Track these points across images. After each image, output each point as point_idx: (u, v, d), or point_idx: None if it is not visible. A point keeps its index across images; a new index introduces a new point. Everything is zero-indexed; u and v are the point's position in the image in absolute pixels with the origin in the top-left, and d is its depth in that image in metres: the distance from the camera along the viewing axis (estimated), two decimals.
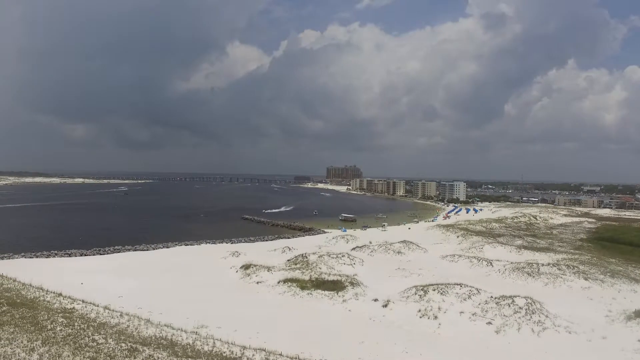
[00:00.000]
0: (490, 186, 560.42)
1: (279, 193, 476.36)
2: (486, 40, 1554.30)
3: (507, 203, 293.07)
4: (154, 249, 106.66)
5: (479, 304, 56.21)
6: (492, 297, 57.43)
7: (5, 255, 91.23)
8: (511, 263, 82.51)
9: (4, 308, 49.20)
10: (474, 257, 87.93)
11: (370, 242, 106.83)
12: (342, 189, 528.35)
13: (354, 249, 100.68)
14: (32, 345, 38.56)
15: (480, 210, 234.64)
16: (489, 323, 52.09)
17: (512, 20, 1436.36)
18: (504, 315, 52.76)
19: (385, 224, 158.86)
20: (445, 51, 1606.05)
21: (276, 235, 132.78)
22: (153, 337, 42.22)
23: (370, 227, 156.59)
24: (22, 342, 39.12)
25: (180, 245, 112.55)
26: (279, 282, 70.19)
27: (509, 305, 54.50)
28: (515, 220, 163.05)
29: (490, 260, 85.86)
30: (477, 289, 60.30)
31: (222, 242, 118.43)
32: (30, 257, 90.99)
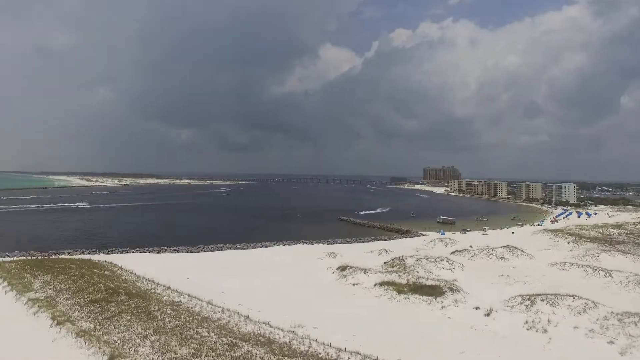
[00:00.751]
0: (605, 188, 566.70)
1: (374, 194, 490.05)
2: (596, 28, 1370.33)
3: (628, 207, 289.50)
4: (253, 248, 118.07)
5: (597, 320, 54.22)
6: (613, 312, 56.13)
7: (124, 249, 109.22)
8: (636, 275, 73.59)
9: (123, 297, 59.40)
10: (589, 266, 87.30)
11: (471, 246, 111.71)
12: (440, 190, 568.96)
13: (453, 252, 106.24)
14: (145, 333, 46.37)
15: (595, 214, 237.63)
16: (611, 342, 48.26)
17: (628, 3, 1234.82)
18: (631, 336, 48.35)
19: (487, 227, 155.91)
20: (547, 43, 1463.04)
21: (372, 237, 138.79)
22: (252, 334, 47.55)
23: (470, 230, 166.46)
24: (137, 330, 47.27)
25: (278, 244, 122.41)
26: (375, 285, 75.62)
27: (636, 324, 49.20)
28: (638, 227, 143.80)
29: (609, 270, 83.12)
30: (593, 302, 59.53)
31: (318, 243, 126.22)
32: (144, 252, 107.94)
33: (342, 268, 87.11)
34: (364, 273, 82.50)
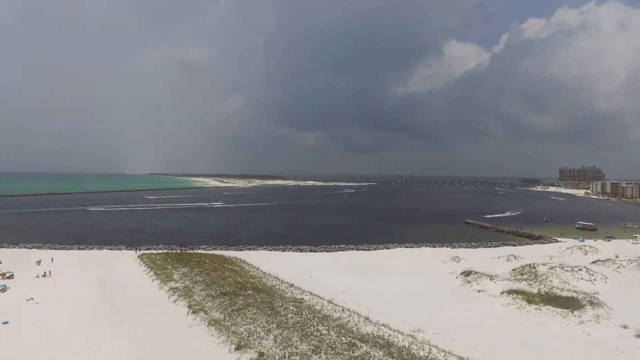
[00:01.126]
0: None
1: (503, 196, 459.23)
2: None
3: None
4: (375, 249, 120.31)
5: None
6: None
7: (252, 246, 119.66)
8: None
9: (250, 292, 65.68)
10: None
11: (617, 256, 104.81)
12: (579, 192, 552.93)
13: (594, 262, 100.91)
14: (269, 326, 51.02)
15: None
16: None
17: None
18: None
19: (638, 235, 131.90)
20: None
21: (500, 242, 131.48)
22: (371, 335, 49.27)
23: (616, 238, 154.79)
24: (261, 323, 52.25)
25: (400, 247, 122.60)
26: (502, 293, 75.23)
27: None
28: None
29: None
30: None
31: (442, 246, 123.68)
32: (270, 250, 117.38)
33: (467, 273, 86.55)
34: (490, 280, 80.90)
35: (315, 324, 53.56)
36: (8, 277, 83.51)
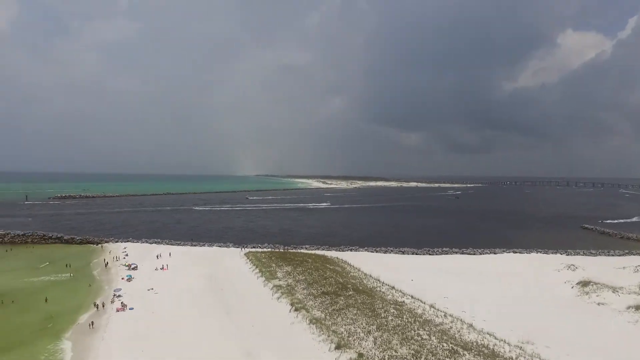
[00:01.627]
0: None
1: (630, 200, 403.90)
2: None
3: None
4: (480, 254, 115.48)
5: None
6: None
7: (353, 247, 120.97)
8: None
9: (350, 292, 66.30)
10: None
11: None
12: None
13: None
14: (369, 328, 51.22)
15: None
16: None
17: None
18: None
19: None
20: None
21: (626, 251, 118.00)
22: (474, 343, 47.47)
23: None
24: (361, 324, 52.64)
25: (509, 252, 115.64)
26: (628, 308, 67.84)
27: None
28: None
29: None
30: None
31: (555, 253, 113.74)
32: (371, 252, 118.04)
33: (584, 283, 78.94)
34: (613, 292, 72.81)
35: (416, 328, 52.68)
36: (133, 269, 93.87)
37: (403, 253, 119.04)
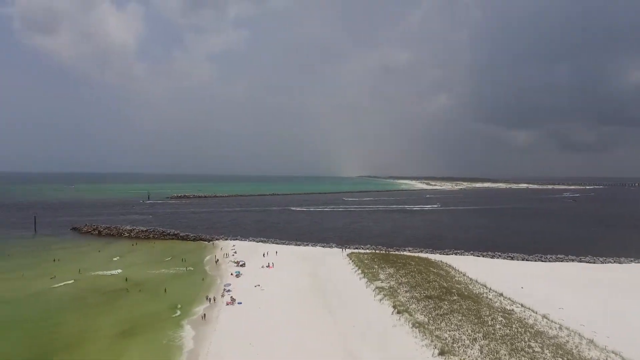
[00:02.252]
0: None
1: None
2: None
3: None
4: (602, 263, 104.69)
5: None
6: None
7: (458, 251, 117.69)
8: None
9: (455, 297, 64.99)
10: None
11: None
12: None
13: None
14: (474, 335, 49.88)
15: None
16: None
17: None
18: None
19: None
20: None
21: None
22: None
23: None
24: (467, 331, 51.40)
25: (637, 262, 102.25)
26: None
27: None
28: None
29: None
30: None
31: None
32: (477, 256, 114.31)
33: None
34: None
35: (526, 339, 50.03)
36: (241, 265, 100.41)
37: (512, 258, 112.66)
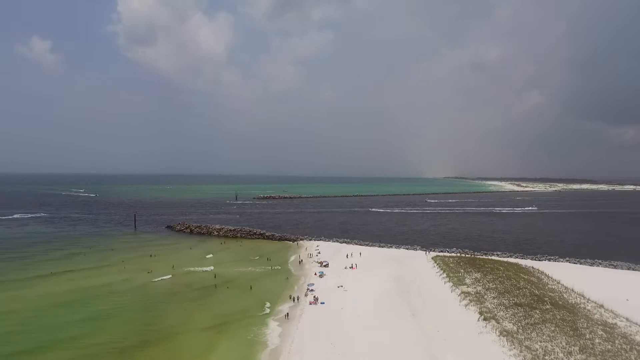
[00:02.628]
0: None
1: None
2: None
3: None
4: None
5: None
6: None
7: (552, 257, 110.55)
8: None
9: (548, 306, 61.18)
10: None
11: None
12: None
13: None
14: (569, 349, 47.06)
15: None
16: None
17: None
18: None
19: None
20: None
21: None
22: None
23: None
24: (560, 343, 48.42)
25: None
26: None
27: None
28: None
29: None
30: None
31: None
32: (573, 263, 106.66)
33: None
34: None
35: (632, 357, 45.71)
36: (324, 266, 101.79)
37: (615, 267, 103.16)
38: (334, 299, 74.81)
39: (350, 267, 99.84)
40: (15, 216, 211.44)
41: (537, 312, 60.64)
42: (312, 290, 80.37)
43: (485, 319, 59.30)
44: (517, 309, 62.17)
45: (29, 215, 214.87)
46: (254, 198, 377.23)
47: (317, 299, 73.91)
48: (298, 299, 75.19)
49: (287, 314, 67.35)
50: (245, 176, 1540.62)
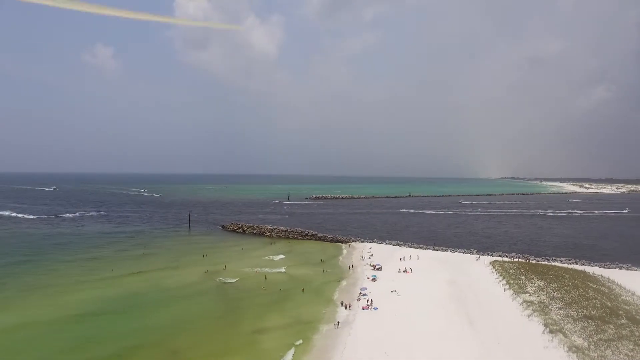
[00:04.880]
0: None
1: None
2: None
3: None
4: None
5: None
6: None
7: (623, 265, 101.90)
8: None
9: (623, 321, 56.64)
10: None
11: None
12: None
13: None
14: None
15: None
16: None
17: None
18: None
19: None
20: None
21: None
22: None
23: None
24: None
25: None
26: None
27: None
28: None
29: None
30: None
31: None
32: None
33: None
34: None
35: None
36: (377, 269, 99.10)
37: None
38: (387, 304, 72.21)
39: (404, 271, 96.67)
40: (76, 214, 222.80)
41: (611, 326, 55.58)
42: (364, 294, 78.09)
43: (551, 332, 55.02)
44: (587, 322, 57.30)
45: (94, 213, 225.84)
46: (306, 198, 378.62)
47: (371, 304, 71.64)
48: (350, 306, 72.52)
49: (338, 322, 64.63)
50: (297, 176, 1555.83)
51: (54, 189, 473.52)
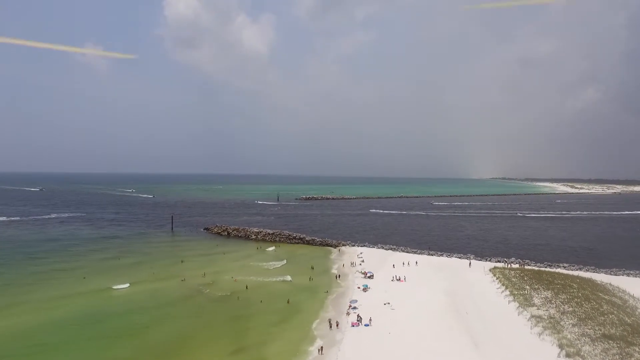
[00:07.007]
0: None
1: None
2: None
3: None
4: None
5: None
6: None
7: (631, 271, 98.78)
8: None
9: None
10: None
11: None
12: None
13: None
14: None
15: None
16: None
17: None
18: None
19: None
20: None
21: None
22: None
23: None
24: None
25: None
26: None
27: None
28: None
29: None
30: None
31: None
32: None
33: None
34: None
35: None
36: (369, 277, 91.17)
37: None
38: (380, 319, 64.24)
39: (397, 279, 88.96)
40: (52, 216, 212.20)
41: (636, 349, 48.12)
42: (354, 307, 70.08)
43: (568, 355, 47.54)
44: (608, 344, 49.85)
45: (73, 215, 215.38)
46: (296, 199, 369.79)
47: (361, 320, 63.70)
48: (338, 325, 62.99)
49: (321, 348, 54.14)
50: (289, 176, 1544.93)
51: (40, 189, 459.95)
